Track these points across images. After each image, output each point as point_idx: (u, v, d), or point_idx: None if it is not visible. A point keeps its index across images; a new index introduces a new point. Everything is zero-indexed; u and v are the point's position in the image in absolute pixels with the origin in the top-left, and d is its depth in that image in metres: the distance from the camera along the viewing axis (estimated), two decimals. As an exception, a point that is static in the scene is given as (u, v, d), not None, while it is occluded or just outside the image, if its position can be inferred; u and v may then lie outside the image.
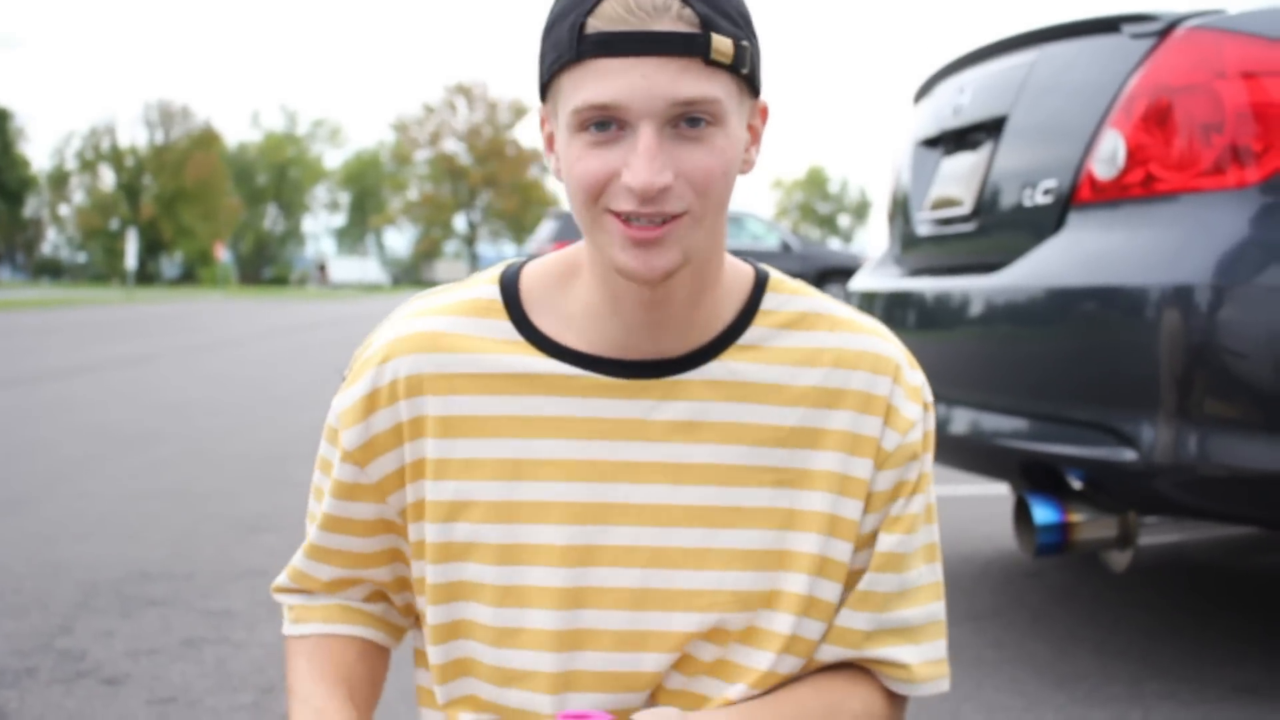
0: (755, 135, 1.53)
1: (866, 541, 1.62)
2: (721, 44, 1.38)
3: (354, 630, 1.71)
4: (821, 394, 1.59)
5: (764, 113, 1.54)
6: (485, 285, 1.64)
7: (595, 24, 1.37)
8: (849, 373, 1.60)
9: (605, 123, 1.40)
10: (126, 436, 8.67)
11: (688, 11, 1.37)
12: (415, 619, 1.73)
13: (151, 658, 3.78)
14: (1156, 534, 3.51)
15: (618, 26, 1.37)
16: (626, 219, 1.42)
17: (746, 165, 1.53)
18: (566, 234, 19.44)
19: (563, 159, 1.47)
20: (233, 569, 4.81)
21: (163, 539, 5.42)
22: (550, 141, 1.53)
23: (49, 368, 14.79)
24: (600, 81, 1.38)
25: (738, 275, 1.63)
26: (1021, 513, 3.52)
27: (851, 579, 1.63)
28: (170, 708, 3.34)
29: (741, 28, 1.42)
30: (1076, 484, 3.39)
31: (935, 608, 1.67)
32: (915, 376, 1.64)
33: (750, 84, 1.46)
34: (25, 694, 3.43)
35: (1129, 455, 3.12)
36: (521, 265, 1.66)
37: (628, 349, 1.57)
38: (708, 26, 1.37)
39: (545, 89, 1.48)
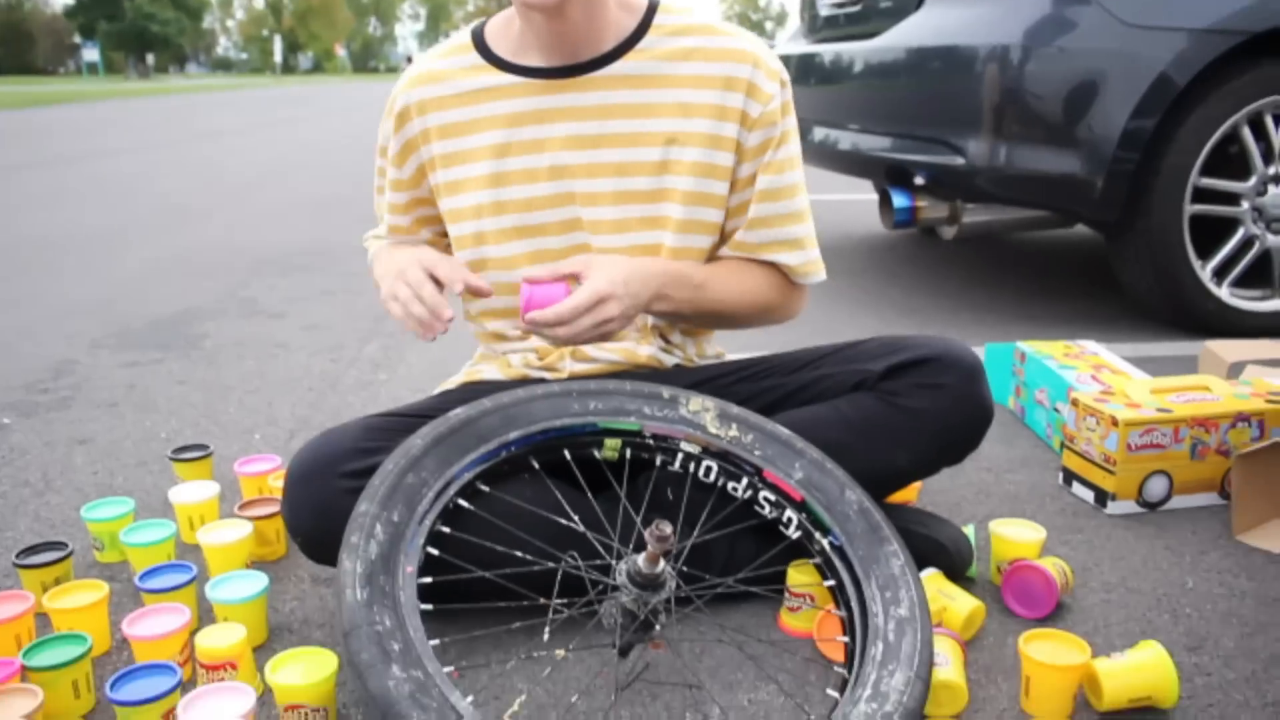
0: None
1: (746, 183, 1.59)
2: None
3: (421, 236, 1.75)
4: (698, 79, 1.54)
5: None
6: (462, 32, 1.65)
7: None
8: (717, 64, 1.55)
9: None
10: (278, 169, 8.55)
11: None
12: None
13: (303, 301, 3.79)
14: (975, 215, 3.49)
15: None
16: None
17: None
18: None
19: None
20: (353, 248, 4.76)
21: (307, 230, 5.39)
22: None
23: (227, 127, 14.48)
24: None
25: (635, 5, 1.58)
26: (884, 200, 3.50)
27: (736, 211, 1.60)
28: (314, 331, 3.36)
29: None
30: (921, 181, 3.35)
31: (807, 226, 1.63)
32: (773, 63, 1.58)
33: None
34: (220, 325, 3.45)
35: (959, 161, 3.08)
36: (488, 19, 1.64)
37: (554, 60, 1.54)
38: None
39: None
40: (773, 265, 1.63)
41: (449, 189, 1.60)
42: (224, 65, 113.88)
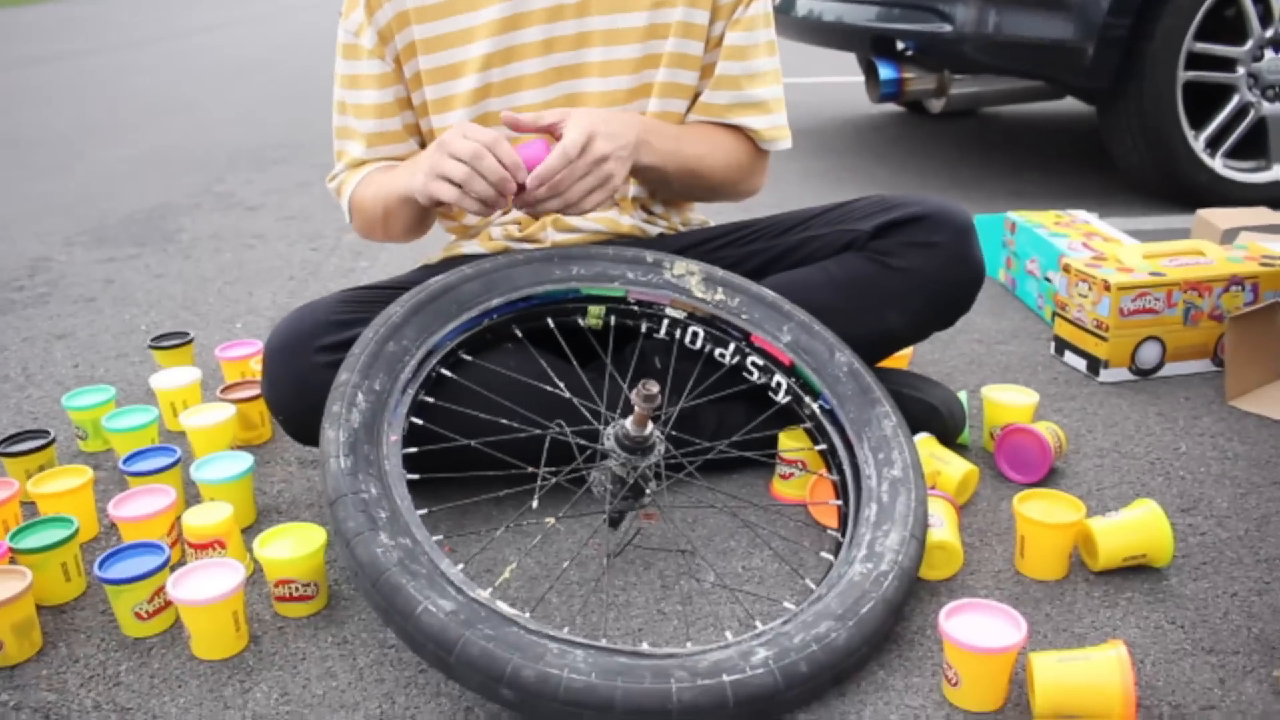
0: None
1: (717, 42, 1.53)
2: None
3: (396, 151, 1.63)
4: None
5: None
6: None
7: None
8: None
9: None
10: (251, 65, 8.35)
11: None
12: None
13: (280, 193, 3.72)
14: (963, 86, 3.42)
15: None
16: None
17: None
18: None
19: None
20: (328, 140, 4.67)
21: (281, 123, 5.27)
22: None
23: (197, 24, 14.11)
24: None
25: None
26: (870, 72, 3.42)
27: (709, 71, 1.55)
28: (292, 222, 3.30)
29: None
30: (909, 52, 3.27)
31: (776, 89, 1.58)
32: None
33: None
34: (196, 219, 3.39)
35: (946, 28, 3.00)
36: None
37: None
38: None
39: None
40: (738, 130, 1.58)
41: (434, 75, 1.52)
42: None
